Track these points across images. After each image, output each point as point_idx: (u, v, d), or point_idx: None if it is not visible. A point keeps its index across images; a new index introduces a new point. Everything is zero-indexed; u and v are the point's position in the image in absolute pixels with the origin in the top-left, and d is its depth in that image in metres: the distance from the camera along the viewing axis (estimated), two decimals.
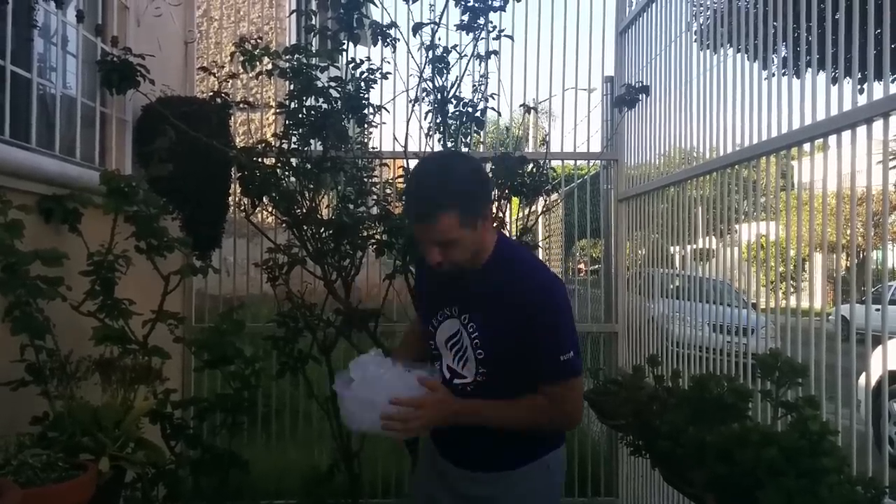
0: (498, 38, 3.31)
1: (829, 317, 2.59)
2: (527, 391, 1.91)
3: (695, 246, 3.24)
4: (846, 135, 2.00)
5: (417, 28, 3.13)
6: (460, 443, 2.02)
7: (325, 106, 3.10)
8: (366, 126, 3.31)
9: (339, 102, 3.12)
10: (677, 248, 3.39)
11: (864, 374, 2.03)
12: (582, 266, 5.87)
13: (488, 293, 1.90)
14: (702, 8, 3.27)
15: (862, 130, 1.94)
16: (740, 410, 1.97)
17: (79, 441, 1.86)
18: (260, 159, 3.17)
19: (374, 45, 3.28)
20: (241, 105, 3.42)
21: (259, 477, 3.80)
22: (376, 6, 3.15)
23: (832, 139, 2.11)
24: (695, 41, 3.20)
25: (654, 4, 3.59)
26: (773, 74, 2.46)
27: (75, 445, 1.84)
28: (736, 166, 2.72)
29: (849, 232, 2.03)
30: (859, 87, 1.98)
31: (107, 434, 1.90)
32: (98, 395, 2.00)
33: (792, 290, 2.36)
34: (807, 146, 2.23)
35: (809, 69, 2.23)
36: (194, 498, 3.03)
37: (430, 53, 3.18)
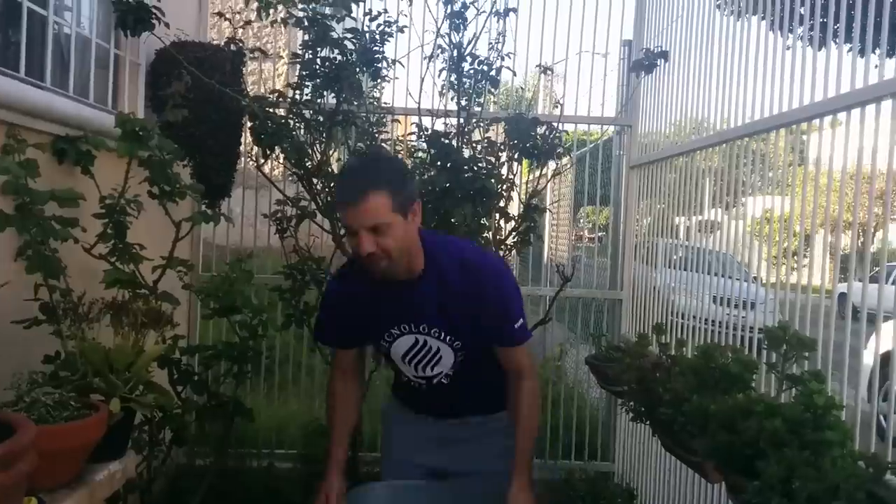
0: None
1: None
2: (494, 359, 2.12)
3: (701, 217, 3.24)
4: (870, 108, 1.97)
5: None
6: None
7: (339, 58, 3.07)
8: (379, 80, 3.27)
9: (354, 55, 3.08)
10: (683, 218, 3.39)
11: (868, 352, 2.04)
12: (585, 233, 5.87)
13: (440, 294, 2.00)
14: None
15: (871, 110, 1.91)
16: (745, 381, 1.99)
17: (90, 381, 1.87)
18: (272, 109, 3.15)
19: None
20: (254, 53, 3.38)
21: (261, 427, 3.86)
22: None
23: (846, 115, 2.07)
24: (717, 6, 3.14)
25: None
26: (794, 45, 2.42)
27: (87, 385, 1.85)
28: (746, 139, 2.70)
29: (861, 213, 2.02)
30: (875, 64, 1.95)
31: (118, 376, 1.92)
32: (109, 338, 2.01)
33: (795, 265, 2.36)
34: (816, 122, 2.20)
35: (835, 41, 2.19)
36: (198, 443, 3.08)
37: (448, 8, 3.13)
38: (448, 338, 2.06)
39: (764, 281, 2.73)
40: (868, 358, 3.42)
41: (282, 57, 4.07)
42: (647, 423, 2.20)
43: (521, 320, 2.08)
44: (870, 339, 2.27)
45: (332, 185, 3.16)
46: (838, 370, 2.07)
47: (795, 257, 2.34)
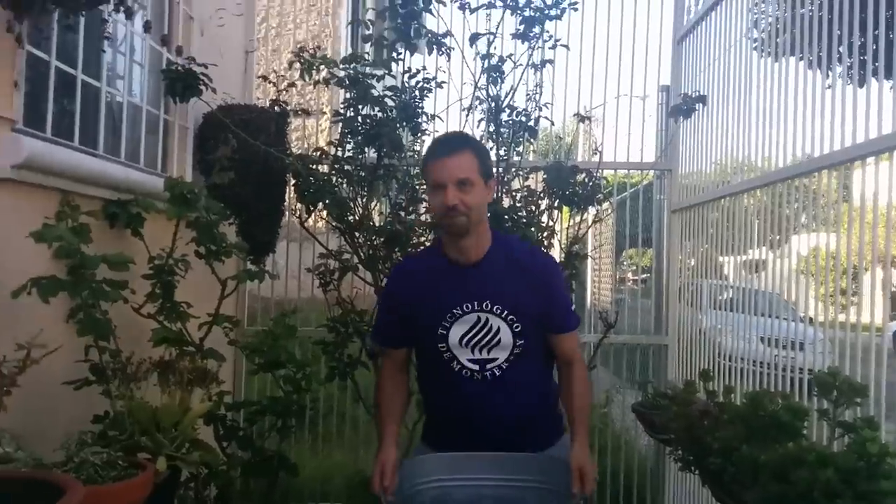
0: (554, 47, 3.30)
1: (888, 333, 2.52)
2: (549, 355, 2.24)
3: (747, 257, 3.19)
4: None
5: (474, 39, 3.14)
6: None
7: (380, 115, 3.14)
8: (420, 134, 3.33)
9: (394, 111, 3.15)
10: (729, 258, 3.34)
11: None
12: (630, 275, 5.81)
13: (507, 273, 2.14)
14: (763, 15, 3.22)
15: None
16: (796, 429, 1.93)
17: (137, 440, 1.91)
18: (315, 166, 3.22)
19: (430, 54, 3.31)
20: (297, 113, 3.48)
21: (305, 479, 3.86)
22: (433, 16, 3.18)
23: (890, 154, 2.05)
24: (754, 49, 3.15)
25: (713, 12, 3.54)
26: (835, 84, 2.40)
27: (134, 444, 1.89)
28: (791, 180, 2.67)
29: None
30: None
31: (165, 434, 1.96)
32: (156, 396, 2.05)
33: (846, 304, 2.31)
34: (869, 159, 2.17)
35: (874, 78, 2.17)
36: (244, 499, 3.09)
37: (486, 62, 3.19)
38: (510, 317, 2.12)
39: (813, 320, 2.67)
40: None
41: (325, 113, 4.17)
42: (696, 472, 2.15)
43: (572, 307, 2.29)
44: None
45: (374, 238, 3.21)
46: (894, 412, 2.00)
47: (845, 295, 2.29)
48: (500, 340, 2.13)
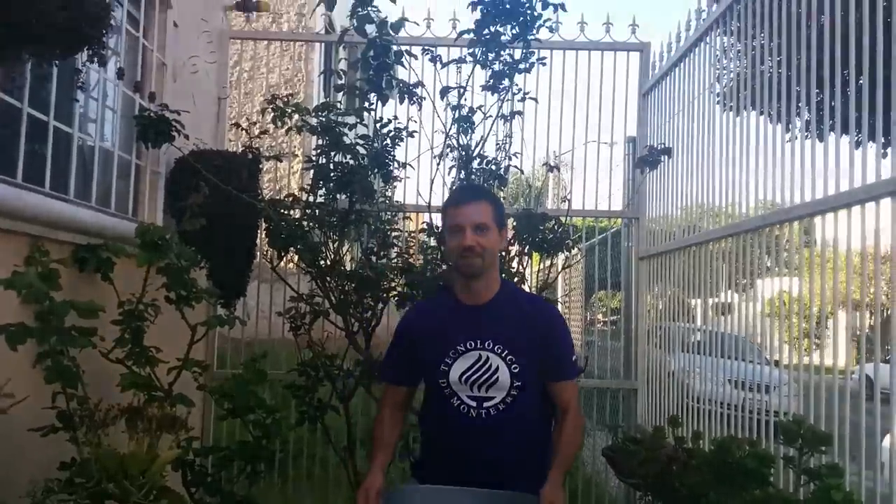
0: (523, 99, 3.38)
1: (853, 375, 2.58)
2: (545, 400, 2.28)
3: (715, 300, 3.25)
4: (869, 205, 2.03)
5: (445, 92, 3.20)
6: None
7: (352, 162, 3.18)
8: (391, 181, 3.37)
9: (366, 159, 3.19)
10: (698, 301, 3.40)
11: (888, 436, 2.02)
12: (600, 316, 5.87)
13: (511, 316, 2.24)
14: (725, 71, 3.34)
15: (885, 202, 1.96)
16: (762, 476, 1.97)
17: (105, 488, 1.89)
18: (287, 212, 3.24)
19: (401, 103, 3.36)
20: (270, 157, 3.51)
21: None
22: (405, 68, 3.24)
23: (856, 207, 2.13)
24: (717, 103, 3.26)
25: (677, 68, 3.67)
26: (796, 137, 2.50)
27: (101, 492, 1.87)
28: (757, 231, 2.75)
29: (873, 290, 2.05)
30: (883, 152, 2.02)
31: (132, 482, 1.93)
32: (124, 442, 2.03)
33: (814, 347, 2.36)
34: (830, 212, 2.25)
35: (832, 133, 2.27)
36: None
37: (456, 113, 3.26)
38: (509, 357, 2.20)
39: (779, 363, 2.73)
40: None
41: (296, 155, 4.20)
42: None
43: (575, 357, 2.35)
44: None
45: (345, 282, 3.22)
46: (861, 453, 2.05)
47: (813, 338, 2.35)
48: (497, 379, 2.20)
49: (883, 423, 2.00)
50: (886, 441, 2.06)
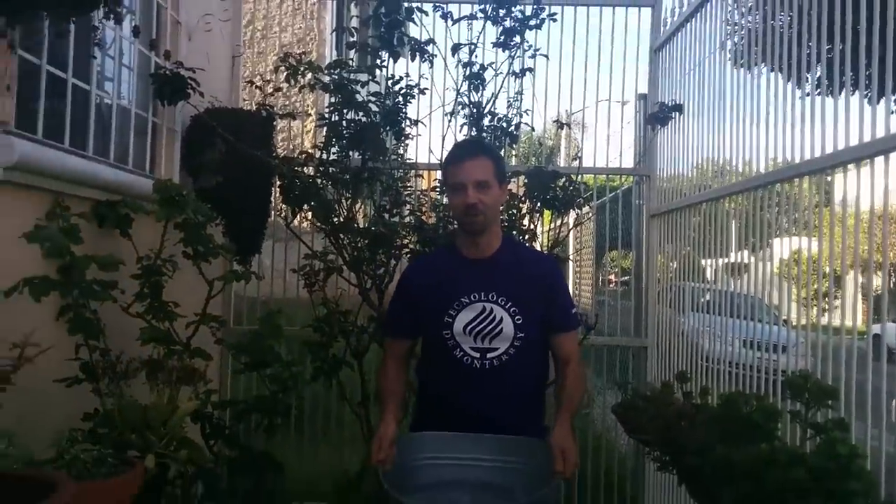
0: (533, 56, 3.37)
1: (864, 336, 2.60)
2: (546, 354, 2.36)
3: (727, 260, 3.25)
4: (880, 160, 2.02)
5: (456, 49, 3.20)
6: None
7: (364, 119, 3.19)
8: (403, 139, 3.38)
9: (378, 116, 3.20)
10: (709, 261, 3.41)
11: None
12: (612, 277, 5.88)
13: (514, 269, 2.30)
14: (736, 27, 3.30)
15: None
16: (769, 430, 1.99)
17: (127, 438, 1.95)
18: (301, 169, 3.27)
19: (413, 61, 3.36)
20: (283, 115, 3.52)
21: (291, 479, 3.87)
22: (416, 25, 3.23)
23: (867, 161, 2.12)
24: (729, 60, 3.23)
25: (689, 24, 3.62)
26: (808, 94, 2.48)
27: (124, 442, 1.93)
28: (770, 186, 2.74)
29: (884, 251, 2.05)
30: (894, 109, 2.00)
31: (154, 432, 2.00)
32: (145, 394, 2.09)
33: (825, 307, 2.38)
34: (842, 168, 2.24)
35: (844, 89, 2.25)
36: (230, 497, 3.12)
37: (467, 70, 3.25)
38: (513, 309, 2.25)
39: (790, 323, 2.74)
40: None
41: (310, 114, 4.21)
42: (674, 472, 2.20)
43: (574, 309, 2.41)
44: None
45: (358, 239, 3.26)
46: (872, 412, 2.07)
47: (826, 299, 2.36)
48: (501, 330, 2.25)
49: (890, 382, 2.02)
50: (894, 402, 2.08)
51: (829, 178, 2.37)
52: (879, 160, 2.02)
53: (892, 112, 1.98)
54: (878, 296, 2.14)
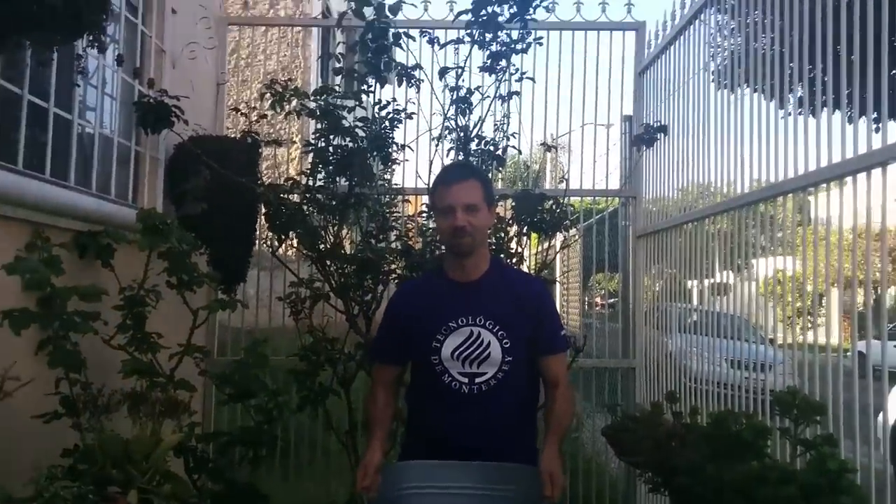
0: (520, 80, 3.39)
1: (847, 353, 2.61)
2: (535, 376, 2.32)
3: (712, 280, 3.26)
4: (861, 177, 2.04)
5: (443, 73, 3.22)
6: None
7: (351, 144, 3.18)
8: (390, 164, 3.38)
9: (365, 141, 3.20)
10: (694, 282, 3.41)
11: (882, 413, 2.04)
12: (598, 300, 5.88)
13: (502, 292, 2.28)
14: (719, 49, 3.34)
15: (877, 173, 1.98)
16: (759, 448, 1.98)
17: (108, 473, 1.91)
18: (287, 196, 3.25)
19: (399, 86, 3.37)
20: (268, 143, 3.51)
21: None
22: (403, 50, 3.24)
23: (848, 179, 2.14)
24: (712, 81, 3.26)
25: (672, 46, 3.67)
26: (790, 114, 2.51)
27: (105, 477, 1.88)
28: (752, 206, 2.76)
29: (866, 268, 2.06)
30: (875, 126, 2.02)
31: (136, 467, 1.95)
32: (127, 428, 2.05)
33: (809, 325, 2.38)
34: (823, 185, 2.27)
35: (825, 108, 2.28)
36: None
37: (454, 94, 3.26)
38: (500, 332, 2.23)
39: (774, 341, 2.74)
40: (889, 416, 3.36)
41: (295, 141, 4.21)
42: (665, 493, 2.18)
43: (563, 332, 2.39)
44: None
45: (345, 266, 3.24)
46: (860, 429, 2.07)
47: (809, 317, 2.37)
48: (489, 355, 2.22)
49: (876, 399, 2.02)
50: (880, 418, 2.08)
51: (810, 198, 2.39)
52: (861, 177, 2.04)
53: (877, 130, 2.01)
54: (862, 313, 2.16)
